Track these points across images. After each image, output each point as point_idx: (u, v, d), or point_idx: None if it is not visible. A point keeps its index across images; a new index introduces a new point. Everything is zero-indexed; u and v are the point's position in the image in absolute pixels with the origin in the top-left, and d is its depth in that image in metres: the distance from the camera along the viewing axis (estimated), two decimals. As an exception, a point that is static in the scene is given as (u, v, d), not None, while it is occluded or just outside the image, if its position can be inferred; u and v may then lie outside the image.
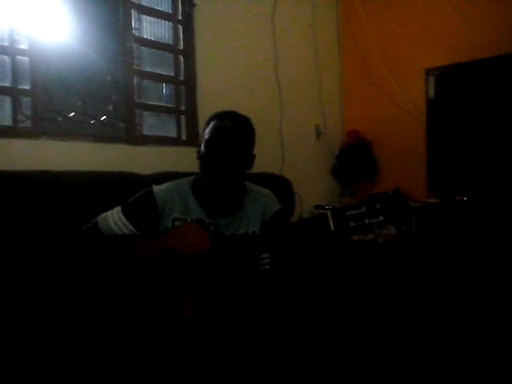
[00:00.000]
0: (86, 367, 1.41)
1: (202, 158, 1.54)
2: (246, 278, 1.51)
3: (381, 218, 1.24)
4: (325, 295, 2.01)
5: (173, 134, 2.93)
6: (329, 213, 1.27)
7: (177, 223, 1.54)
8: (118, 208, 1.58)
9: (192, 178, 1.64)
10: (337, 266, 2.39)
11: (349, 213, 1.26)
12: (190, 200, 1.58)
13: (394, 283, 2.56)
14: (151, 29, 2.83)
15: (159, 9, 2.86)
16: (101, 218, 1.58)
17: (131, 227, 1.54)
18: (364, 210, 1.25)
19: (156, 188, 1.60)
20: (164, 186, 1.62)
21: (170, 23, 2.91)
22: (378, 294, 2.40)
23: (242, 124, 1.58)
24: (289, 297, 1.61)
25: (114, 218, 1.55)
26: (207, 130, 1.55)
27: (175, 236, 1.48)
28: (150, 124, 2.83)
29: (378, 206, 1.24)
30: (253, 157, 1.61)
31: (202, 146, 1.54)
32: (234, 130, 1.53)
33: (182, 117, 2.95)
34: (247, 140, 1.58)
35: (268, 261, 1.59)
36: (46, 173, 1.95)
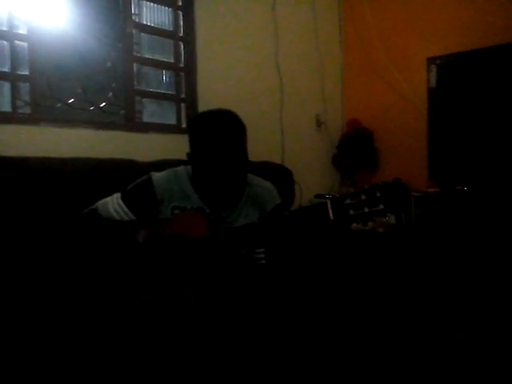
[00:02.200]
0: (81, 350, 1.42)
1: (202, 166, 1.49)
2: (244, 266, 1.50)
3: (381, 206, 1.22)
4: (323, 285, 2.01)
5: (173, 121, 2.91)
6: (328, 201, 1.26)
7: (176, 211, 1.53)
8: (118, 195, 1.57)
9: (190, 167, 1.60)
10: (336, 255, 2.39)
11: (348, 201, 1.24)
12: (188, 189, 1.56)
13: (394, 273, 2.56)
14: (151, 15, 2.81)
15: (159, -5, 2.83)
16: (100, 204, 1.57)
17: (131, 215, 1.53)
18: (363, 198, 1.23)
19: (155, 175, 1.58)
20: (163, 173, 1.60)
21: (170, 9, 2.87)
22: (377, 283, 2.40)
23: (235, 123, 1.51)
24: (287, 286, 1.61)
25: (114, 206, 1.54)
26: (202, 139, 1.47)
27: (175, 223, 1.47)
28: (150, 111, 2.81)
29: (378, 195, 1.23)
30: (246, 152, 1.55)
31: (199, 155, 1.48)
32: (232, 135, 1.47)
33: (182, 104, 2.93)
34: (244, 137, 1.52)
35: (263, 255, 1.58)
36: (44, 159, 1.94)
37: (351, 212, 1.24)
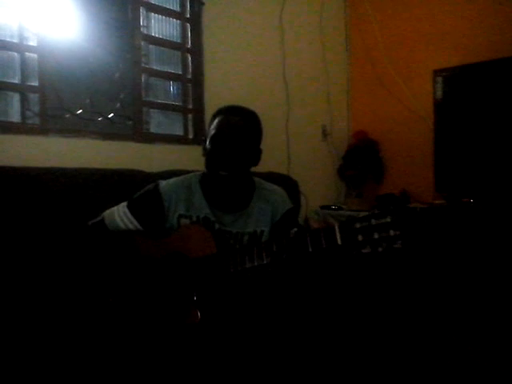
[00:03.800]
0: (81, 368, 1.39)
1: (207, 153, 1.52)
2: (248, 285, 1.47)
3: (391, 233, 1.16)
4: (327, 298, 1.98)
5: (180, 132, 2.93)
6: (336, 225, 1.21)
7: (182, 220, 1.53)
8: (124, 203, 1.58)
9: (200, 173, 1.62)
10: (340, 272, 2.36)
11: (357, 225, 1.19)
12: (196, 196, 1.56)
13: (397, 285, 2.55)
14: (159, 27, 2.84)
15: (168, 7, 2.86)
16: (107, 213, 1.58)
17: (136, 223, 1.54)
18: (374, 223, 1.18)
19: (162, 183, 1.59)
20: (171, 181, 1.61)
21: (178, 21, 2.91)
22: (381, 295, 2.38)
23: (249, 119, 1.56)
24: (292, 304, 1.57)
25: (119, 214, 1.55)
26: (213, 126, 1.53)
27: (179, 238, 1.45)
28: (157, 122, 2.83)
29: (388, 220, 1.17)
30: (260, 151, 1.59)
31: (208, 142, 1.52)
32: (241, 125, 1.51)
33: (189, 115, 2.95)
34: (254, 135, 1.56)
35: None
36: (53, 169, 1.96)
37: (360, 238, 1.18)
